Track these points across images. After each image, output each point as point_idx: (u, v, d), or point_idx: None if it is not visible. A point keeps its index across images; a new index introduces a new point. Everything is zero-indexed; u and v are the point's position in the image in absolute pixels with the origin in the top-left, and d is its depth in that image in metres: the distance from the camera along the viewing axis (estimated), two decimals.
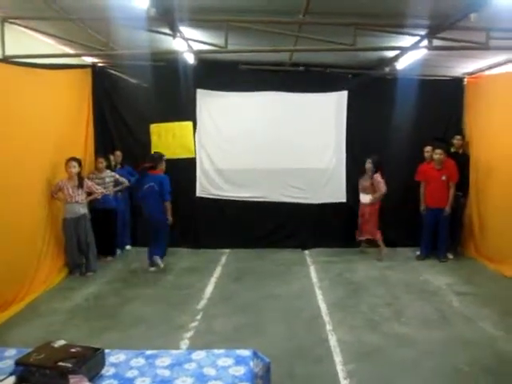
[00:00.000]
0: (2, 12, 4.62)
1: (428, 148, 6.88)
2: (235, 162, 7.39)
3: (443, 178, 6.60)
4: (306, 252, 7.31)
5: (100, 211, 6.44)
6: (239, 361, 2.24)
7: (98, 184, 6.40)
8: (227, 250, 7.31)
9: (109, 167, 6.82)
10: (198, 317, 4.69)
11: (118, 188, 6.77)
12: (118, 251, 7.05)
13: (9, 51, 4.77)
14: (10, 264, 4.73)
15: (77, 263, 6.02)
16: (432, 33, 4.85)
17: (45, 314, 4.74)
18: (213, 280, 5.91)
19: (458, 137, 7.09)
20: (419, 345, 4.07)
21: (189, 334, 4.27)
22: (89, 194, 6.14)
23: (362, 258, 6.97)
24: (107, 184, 6.58)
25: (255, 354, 2.35)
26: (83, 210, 5.98)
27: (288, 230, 7.55)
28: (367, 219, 6.92)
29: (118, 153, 7.17)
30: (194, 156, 7.38)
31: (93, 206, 6.37)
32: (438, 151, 6.56)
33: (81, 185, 5.90)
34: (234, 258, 7.00)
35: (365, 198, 6.92)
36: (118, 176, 6.74)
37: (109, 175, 6.65)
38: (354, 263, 6.70)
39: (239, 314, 4.78)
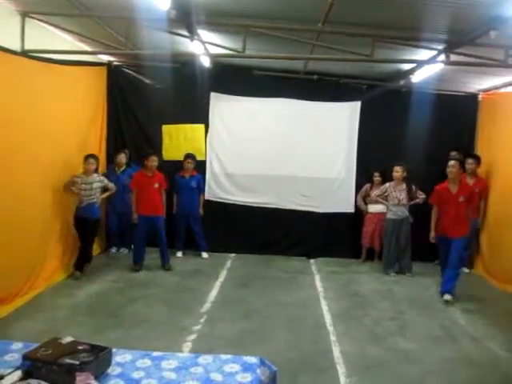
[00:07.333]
0: (23, 7, 4.67)
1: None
2: (245, 166, 7.38)
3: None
4: (312, 261, 7.27)
5: (81, 220, 5.85)
6: (246, 368, 2.22)
7: (85, 189, 5.78)
8: (232, 255, 7.28)
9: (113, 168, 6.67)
10: (202, 320, 4.67)
11: (104, 195, 6.21)
12: (125, 250, 7.05)
13: (28, 45, 4.81)
14: (16, 258, 4.73)
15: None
16: (450, 48, 4.84)
17: (48, 309, 4.73)
18: (217, 284, 5.89)
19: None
20: (423, 362, 4.01)
21: (192, 337, 4.25)
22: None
23: (367, 270, 6.92)
24: (94, 190, 5.89)
25: (262, 362, 2.33)
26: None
27: (294, 238, 7.52)
28: (375, 228, 7.11)
29: (122, 155, 6.89)
30: (204, 159, 7.37)
31: (76, 214, 5.88)
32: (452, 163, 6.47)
33: None
34: (240, 262, 6.98)
35: (376, 208, 7.04)
36: (107, 181, 6.12)
37: (96, 180, 5.92)
38: (360, 274, 6.66)
39: (243, 320, 4.75)
